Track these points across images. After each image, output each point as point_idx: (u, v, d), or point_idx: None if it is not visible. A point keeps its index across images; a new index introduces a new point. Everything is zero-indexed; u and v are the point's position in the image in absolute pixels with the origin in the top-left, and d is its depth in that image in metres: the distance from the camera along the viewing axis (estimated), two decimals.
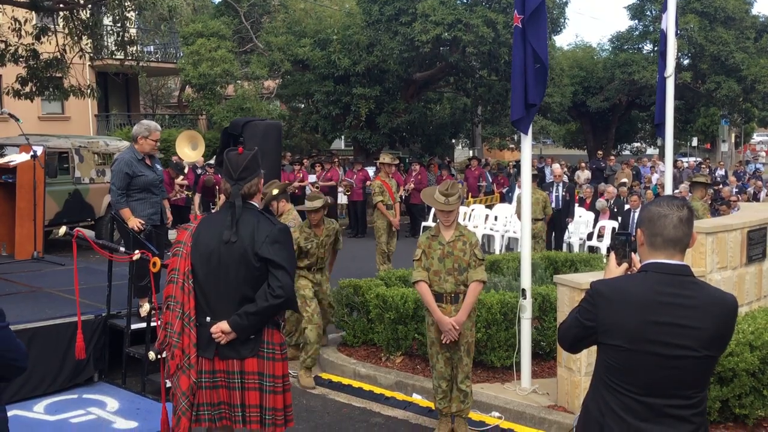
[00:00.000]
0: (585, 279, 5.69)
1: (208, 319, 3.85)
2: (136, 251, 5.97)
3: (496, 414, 6.02)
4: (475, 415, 5.92)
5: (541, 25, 5.96)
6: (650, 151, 38.42)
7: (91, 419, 5.87)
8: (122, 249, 6.20)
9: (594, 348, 2.78)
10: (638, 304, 2.61)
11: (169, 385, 4.07)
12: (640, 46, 28.06)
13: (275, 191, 7.14)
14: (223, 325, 3.78)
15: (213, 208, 15.17)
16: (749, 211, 8.52)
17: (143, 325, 6.56)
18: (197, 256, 3.88)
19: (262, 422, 3.83)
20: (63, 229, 5.39)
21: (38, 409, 6.01)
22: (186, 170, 14.70)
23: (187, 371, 3.83)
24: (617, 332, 2.62)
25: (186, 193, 14.65)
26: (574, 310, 2.81)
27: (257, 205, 4.00)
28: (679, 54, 22.45)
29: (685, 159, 27.61)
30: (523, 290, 6.30)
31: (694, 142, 36.47)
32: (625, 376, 2.63)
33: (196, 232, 3.95)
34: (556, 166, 15.24)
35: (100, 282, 7.13)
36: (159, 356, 4.13)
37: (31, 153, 9.31)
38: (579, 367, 5.78)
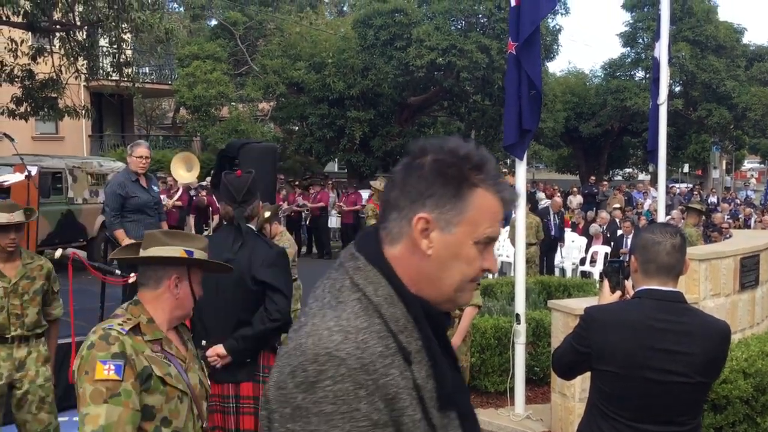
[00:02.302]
0: (579, 304, 5.69)
1: (203, 342, 3.83)
2: (132, 274, 5.95)
3: None
4: None
5: (535, 53, 6.03)
6: (642, 176, 38.66)
7: None
8: (118, 272, 6.17)
9: (588, 374, 2.79)
10: (632, 330, 2.62)
11: None
12: (632, 72, 28.38)
13: (267, 213, 7.13)
14: (219, 348, 3.77)
15: (206, 230, 15.14)
16: (742, 238, 8.56)
17: None
18: None
19: None
20: (59, 252, 5.37)
21: None
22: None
23: None
24: (611, 358, 2.63)
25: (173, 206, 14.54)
26: (568, 336, 2.82)
27: (254, 228, 4.02)
28: (671, 81, 22.68)
29: (677, 185, 27.78)
30: (518, 315, 6.30)
31: (686, 168, 36.73)
32: (619, 402, 2.63)
33: None
34: (557, 199, 15.31)
35: (92, 303, 7.08)
36: None
37: (26, 173, 9.31)
38: (573, 393, 5.76)
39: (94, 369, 2.34)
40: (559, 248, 13.86)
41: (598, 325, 2.69)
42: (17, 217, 4.36)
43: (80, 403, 2.34)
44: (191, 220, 15.36)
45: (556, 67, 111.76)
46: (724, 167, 43.04)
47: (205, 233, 14.06)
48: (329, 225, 19.01)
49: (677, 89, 25.99)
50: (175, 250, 2.70)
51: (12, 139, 9.22)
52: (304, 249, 18.27)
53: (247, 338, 3.74)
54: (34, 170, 9.79)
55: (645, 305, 2.66)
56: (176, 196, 14.47)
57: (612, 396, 2.65)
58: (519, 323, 6.28)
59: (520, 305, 6.33)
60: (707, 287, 6.67)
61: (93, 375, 2.33)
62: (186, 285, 2.73)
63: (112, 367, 2.36)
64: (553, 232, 13.12)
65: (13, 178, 10.81)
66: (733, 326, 6.69)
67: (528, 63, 5.92)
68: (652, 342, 2.59)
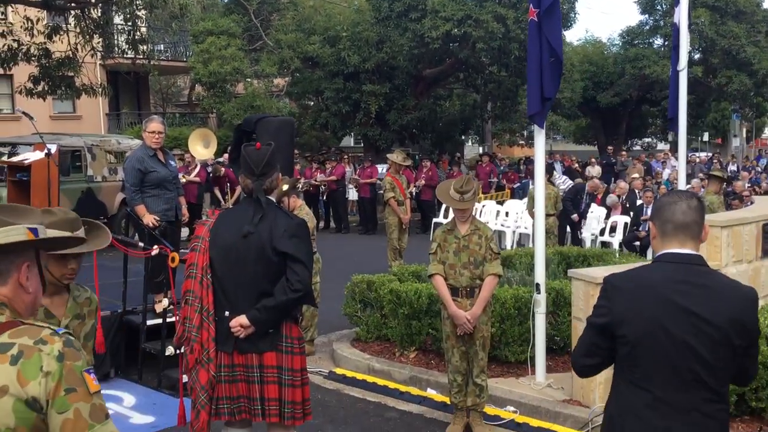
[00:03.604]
0: (599, 273, 5.68)
1: (226, 313, 3.87)
2: (155, 247, 6.04)
3: (511, 408, 6.03)
4: (490, 410, 5.92)
5: (556, 19, 5.95)
6: (661, 146, 38.30)
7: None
8: (141, 245, 6.27)
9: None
10: (653, 292, 2.59)
11: (186, 379, 4.10)
12: (650, 40, 27.99)
13: (285, 187, 7.15)
14: (242, 319, 3.80)
15: (223, 203, 15.23)
16: (764, 205, 8.49)
17: (159, 321, 6.62)
18: (216, 251, 3.91)
19: (281, 416, 3.86)
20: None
21: None
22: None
23: (206, 365, 3.85)
24: (633, 323, 2.60)
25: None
26: (587, 323, 2.81)
27: (274, 200, 4.03)
28: (690, 48, 22.37)
29: (696, 154, 27.48)
30: (537, 285, 6.30)
31: (705, 137, 36.32)
32: (645, 369, 2.59)
33: (215, 227, 3.97)
34: (596, 182, 15.31)
35: (115, 279, 7.17)
36: (177, 351, 4.15)
37: (45, 151, 9.38)
38: None
39: (83, 382, 1.91)
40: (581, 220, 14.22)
41: (617, 290, 2.67)
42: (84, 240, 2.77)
43: (75, 429, 1.86)
44: (209, 196, 15.44)
45: (573, 36, 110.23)
46: (744, 135, 42.50)
47: (224, 206, 14.15)
48: (347, 197, 19.06)
49: (696, 56, 25.57)
50: (19, 231, 1.98)
51: (31, 118, 9.29)
52: (321, 223, 18.35)
53: (269, 309, 3.78)
54: (53, 148, 9.85)
55: (665, 268, 2.63)
56: (194, 173, 14.54)
57: (637, 364, 2.61)
58: (539, 293, 6.28)
59: (539, 275, 6.32)
60: (729, 254, 6.63)
61: (87, 389, 1.91)
62: (36, 273, 2.08)
63: (94, 375, 1.96)
64: (581, 209, 13.87)
65: (33, 156, 10.90)
66: None
67: (549, 30, 5.86)
68: (673, 304, 2.56)
